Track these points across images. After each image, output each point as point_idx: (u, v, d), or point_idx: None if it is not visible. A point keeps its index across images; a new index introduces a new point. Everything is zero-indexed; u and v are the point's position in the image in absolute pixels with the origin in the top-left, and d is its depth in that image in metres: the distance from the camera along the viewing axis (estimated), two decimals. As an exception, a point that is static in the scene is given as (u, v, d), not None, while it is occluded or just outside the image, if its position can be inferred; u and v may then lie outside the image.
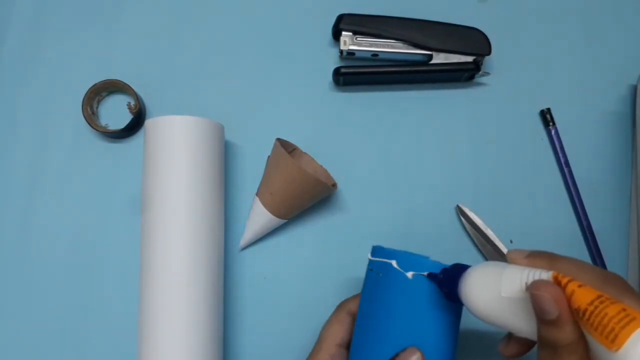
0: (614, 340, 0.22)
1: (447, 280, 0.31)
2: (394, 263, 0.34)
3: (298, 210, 0.44)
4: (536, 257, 0.28)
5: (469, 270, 0.30)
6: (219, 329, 0.41)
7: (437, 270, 0.33)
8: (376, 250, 0.36)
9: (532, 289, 0.25)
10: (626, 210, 0.47)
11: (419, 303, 0.33)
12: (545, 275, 0.26)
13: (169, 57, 0.49)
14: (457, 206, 0.47)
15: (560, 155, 0.48)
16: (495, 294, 0.27)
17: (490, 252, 0.46)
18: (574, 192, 0.47)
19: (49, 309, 0.45)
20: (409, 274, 0.33)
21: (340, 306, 0.38)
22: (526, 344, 0.31)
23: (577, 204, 0.47)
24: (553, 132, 0.48)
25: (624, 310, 0.23)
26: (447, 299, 0.32)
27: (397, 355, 0.33)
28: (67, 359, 0.44)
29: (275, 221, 0.44)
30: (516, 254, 0.29)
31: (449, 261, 0.45)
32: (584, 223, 0.47)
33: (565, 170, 0.47)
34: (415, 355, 0.32)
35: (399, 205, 0.47)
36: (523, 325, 0.27)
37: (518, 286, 0.27)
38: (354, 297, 0.38)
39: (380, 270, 0.35)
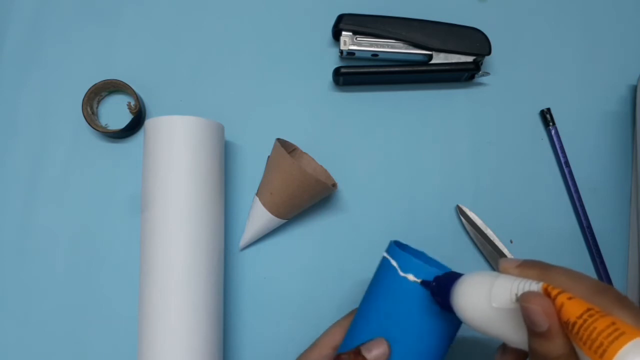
0: (603, 355, 0.22)
1: (440, 289, 0.31)
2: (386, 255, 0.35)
3: (298, 210, 0.44)
4: (528, 267, 0.28)
5: (460, 279, 0.30)
6: (219, 328, 0.41)
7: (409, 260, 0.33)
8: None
9: (522, 300, 0.25)
10: (626, 211, 0.47)
11: (388, 289, 0.34)
12: (536, 286, 0.25)
13: (169, 57, 0.49)
14: (457, 206, 0.47)
15: (560, 155, 0.48)
16: (485, 303, 0.27)
17: (490, 252, 0.46)
18: (574, 192, 0.47)
19: (49, 309, 0.45)
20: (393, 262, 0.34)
21: (349, 312, 0.38)
22: (522, 354, 0.31)
23: (577, 204, 0.47)
24: (553, 132, 0.48)
25: (614, 324, 0.22)
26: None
27: (363, 344, 0.33)
28: (67, 359, 0.44)
29: (275, 221, 0.44)
30: (508, 263, 0.29)
31: (449, 261, 0.45)
32: (584, 223, 0.47)
33: (565, 170, 0.47)
34: (382, 348, 0.32)
35: (399, 205, 0.47)
36: (514, 335, 0.27)
37: (508, 297, 0.26)
38: None
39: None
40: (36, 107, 0.48)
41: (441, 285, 0.31)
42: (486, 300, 0.27)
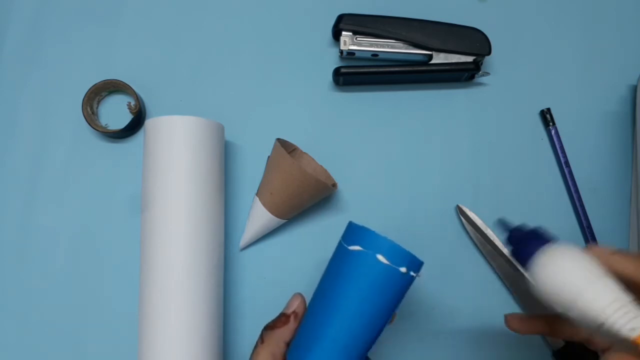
0: None
1: (519, 244, 0.31)
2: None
3: (298, 210, 0.44)
4: (623, 259, 0.28)
5: (550, 249, 0.29)
6: (219, 328, 0.41)
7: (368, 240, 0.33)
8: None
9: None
10: (626, 210, 0.47)
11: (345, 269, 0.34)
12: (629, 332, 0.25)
13: (169, 57, 0.49)
14: (457, 206, 0.47)
15: (560, 155, 0.48)
16: (574, 290, 0.27)
17: (490, 252, 0.46)
18: (574, 192, 0.47)
19: (49, 309, 0.45)
20: (352, 248, 0.35)
21: None
22: (539, 328, 0.31)
23: (577, 204, 0.47)
24: (553, 132, 0.48)
25: None
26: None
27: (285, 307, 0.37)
28: (67, 359, 0.44)
29: (275, 221, 0.44)
30: (600, 250, 0.29)
31: (448, 261, 0.45)
32: (584, 223, 0.47)
33: (566, 170, 0.47)
34: (297, 301, 0.37)
35: (399, 205, 0.47)
36: (585, 321, 0.27)
37: (599, 309, 0.26)
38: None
39: None
40: (36, 107, 0.48)
41: (523, 242, 0.31)
42: (575, 287, 0.27)
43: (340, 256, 0.35)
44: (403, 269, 0.33)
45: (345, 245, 0.34)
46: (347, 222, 0.37)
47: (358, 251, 0.33)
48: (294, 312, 0.36)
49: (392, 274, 0.33)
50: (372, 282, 0.33)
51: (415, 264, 0.34)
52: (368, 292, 0.33)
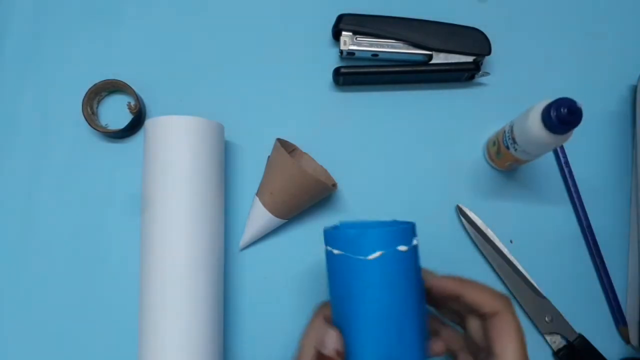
0: None
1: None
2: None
3: (298, 210, 0.44)
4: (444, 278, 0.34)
5: None
6: (219, 328, 0.41)
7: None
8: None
9: None
10: (626, 210, 0.47)
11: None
12: None
13: (169, 57, 0.49)
14: (457, 206, 0.47)
15: (560, 155, 0.48)
16: None
17: (490, 252, 0.46)
18: (574, 192, 0.47)
19: (49, 309, 0.45)
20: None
21: (315, 313, 0.36)
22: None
23: (577, 204, 0.47)
24: (553, 132, 0.48)
25: None
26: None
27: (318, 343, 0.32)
28: (66, 358, 0.44)
29: (275, 221, 0.44)
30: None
31: (449, 261, 0.45)
32: (584, 223, 0.47)
33: (565, 170, 0.47)
34: (330, 334, 0.32)
35: (398, 205, 0.47)
36: None
37: None
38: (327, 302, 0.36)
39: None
40: (36, 107, 0.48)
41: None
42: None
43: (360, 271, 0.31)
44: (415, 241, 0.32)
45: (362, 258, 0.31)
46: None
47: (380, 256, 0.31)
48: (336, 350, 0.31)
49: (412, 253, 0.32)
50: (405, 273, 0.32)
51: (414, 229, 0.33)
52: (406, 285, 0.32)
